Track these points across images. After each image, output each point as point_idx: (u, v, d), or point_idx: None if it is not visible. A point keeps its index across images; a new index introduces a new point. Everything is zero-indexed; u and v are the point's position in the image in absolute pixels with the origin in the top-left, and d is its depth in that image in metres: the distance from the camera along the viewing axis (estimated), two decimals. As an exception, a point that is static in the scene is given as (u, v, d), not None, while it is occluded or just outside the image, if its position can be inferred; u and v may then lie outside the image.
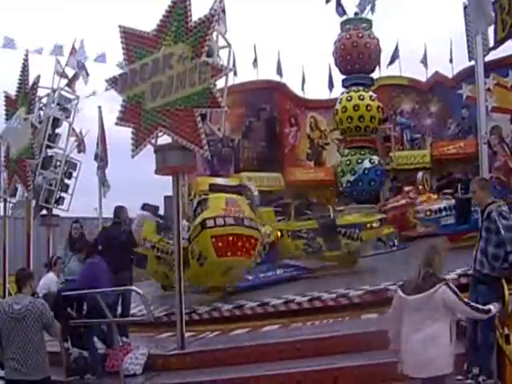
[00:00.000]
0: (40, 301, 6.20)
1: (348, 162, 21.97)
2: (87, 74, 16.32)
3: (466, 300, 5.17)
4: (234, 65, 28.04)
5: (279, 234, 15.18)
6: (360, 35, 21.94)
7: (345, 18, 22.88)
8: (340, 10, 22.89)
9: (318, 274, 14.50)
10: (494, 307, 5.26)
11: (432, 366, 4.94)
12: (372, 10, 22.48)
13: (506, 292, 6.14)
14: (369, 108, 21.83)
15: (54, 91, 15.77)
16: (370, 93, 22.11)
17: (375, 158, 22.66)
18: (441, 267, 5.18)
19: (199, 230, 11.86)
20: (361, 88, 22.06)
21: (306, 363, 7.54)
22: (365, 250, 15.33)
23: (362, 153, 21.67)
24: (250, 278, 13.44)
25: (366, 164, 22.15)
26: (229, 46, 9.02)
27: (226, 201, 12.48)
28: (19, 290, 6.09)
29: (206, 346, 9.06)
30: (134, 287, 8.92)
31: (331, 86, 30.70)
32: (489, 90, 25.10)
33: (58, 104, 15.79)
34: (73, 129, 16.57)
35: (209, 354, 8.51)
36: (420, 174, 20.21)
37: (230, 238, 11.62)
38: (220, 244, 11.59)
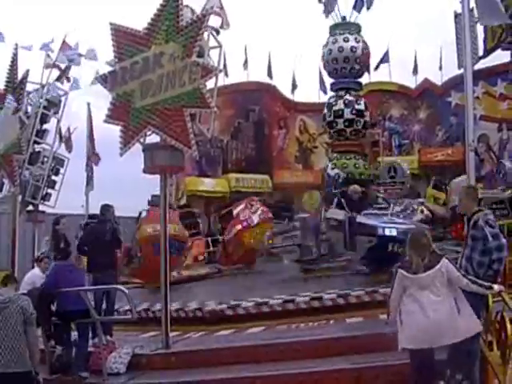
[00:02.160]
0: (25, 297, 6.18)
1: (333, 166, 22.01)
2: (68, 80, 16.16)
3: (463, 273, 5.75)
4: (224, 65, 28.12)
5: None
6: (346, 39, 21.98)
7: (333, 21, 22.92)
8: (328, 10, 22.94)
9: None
10: (497, 287, 5.76)
11: (448, 336, 5.50)
12: (368, 7, 22.53)
13: (490, 299, 6.19)
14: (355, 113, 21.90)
15: (42, 86, 15.66)
16: (348, 97, 22.08)
17: (361, 163, 22.58)
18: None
19: None
20: (343, 93, 22.11)
21: (290, 365, 7.54)
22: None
23: (348, 157, 21.71)
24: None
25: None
26: (220, 46, 9.01)
27: None
28: (5, 285, 6.09)
29: (190, 345, 9.04)
30: (119, 286, 8.89)
31: (324, 88, 30.77)
32: (477, 98, 25.39)
33: (46, 99, 15.67)
34: (59, 130, 16.44)
35: (193, 354, 8.50)
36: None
37: None
38: None
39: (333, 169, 21.22)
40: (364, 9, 22.79)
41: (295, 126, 32.06)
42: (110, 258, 9.78)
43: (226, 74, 28.84)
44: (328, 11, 22.79)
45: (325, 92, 31.07)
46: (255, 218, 16.53)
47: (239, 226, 16.66)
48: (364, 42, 22.51)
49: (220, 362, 8.04)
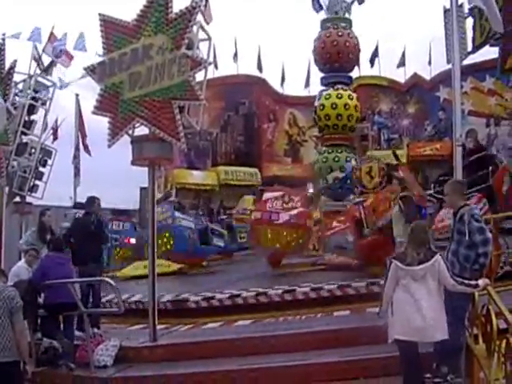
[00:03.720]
0: (11, 287, 6.16)
1: (324, 160, 21.96)
2: (68, 63, 16.06)
3: (451, 274, 5.85)
4: (214, 58, 28.04)
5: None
6: (340, 34, 21.97)
7: (324, 15, 22.88)
8: (317, 5, 22.89)
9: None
10: (482, 282, 5.89)
11: (438, 332, 5.65)
12: (360, 2, 22.53)
13: (476, 293, 6.24)
14: (347, 107, 21.88)
15: (30, 77, 15.53)
16: (349, 92, 22.13)
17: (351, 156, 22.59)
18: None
19: None
20: (339, 86, 22.09)
21: (279, 358, 7.57)
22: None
23: (340, 151, 21.66)
24: None
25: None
26: (209, 38, 8.96)
27: None
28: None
29: (178, 338, 9.04)
30: (106, 278, 8.88)
31: (307, 83, 30.86)
32: (465, 93, 25.46)
33: (34, 90, 15.56)
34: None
35: (181, 347, 8.50)
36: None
37: None
38: None
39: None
40: (355, 3, 22.79)
41: (284, 119, 32.05)
42: (94, 250, 9.75)
43: (216, 67, 28.75)
44: (319, 6, 22.78)
45: (307, 85, 31.16)
46: (283, 217, 13.32)
47: (258, 215, 13.91)
48: (355, 37, 22.52)
49: (207, 355, 8.06)
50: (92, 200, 10.06)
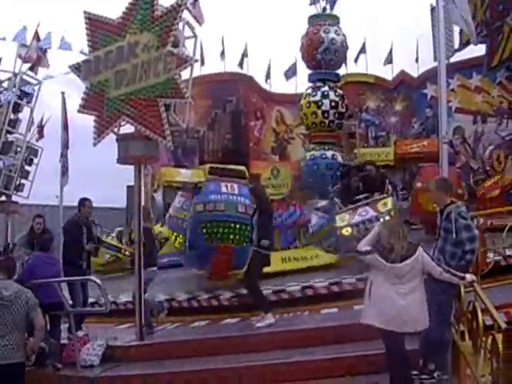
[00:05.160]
0: (27, 290, 6.15)
1: (312, 157, 21.99)
2: (48, 64, 15.94)
3: (437, 261, 5.93)
4: (201, 54, 28.00)
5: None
6: (327, 31, 21.99)
7: (313, 12, 22.91)
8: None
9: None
10: (469, 276, 5.90)
11: (419, 323, 5.71)
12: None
13: (462, 289, 6.27)
14: (333, 104, 21.93)
15: (15, 75, 15.42)
16: (327, 89, 22.13)
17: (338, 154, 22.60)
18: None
19: None
20: (326, 84, 22.14)
21: (266, 356, 7.57)
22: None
23: (327, 148, 21.70)
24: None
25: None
26: (195, 36, 8.93)
27: None
28: (8, 277, 6.18)
29: (165, 337, 9.02)
30: (92, 277, 8.83)
31: (290, 76, 30.92)
32: (453, 90, 25.61)
33: (19, 89, 15.44)
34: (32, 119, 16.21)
35: (168, 346, 8.48)
36: None
37: None
38: None
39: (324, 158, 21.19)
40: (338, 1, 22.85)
41: (272, 116, 32.02)
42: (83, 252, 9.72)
43: (203, 63, 28.70)
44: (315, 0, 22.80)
45: (287, 78, 31.16)
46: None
47: None
48: (343, 34, 22.54)
49: (195, 354, 8.04)
50: (81, 202, 10.00)
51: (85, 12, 8.93)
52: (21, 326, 5.82)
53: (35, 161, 16.16)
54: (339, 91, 21.80)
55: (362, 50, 30.57)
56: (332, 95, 21.60)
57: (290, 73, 31.12)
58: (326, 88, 21.83)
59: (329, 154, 21.74)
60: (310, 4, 23.07)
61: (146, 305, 8.88)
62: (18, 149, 15.48)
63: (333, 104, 21.61)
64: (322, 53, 21.88)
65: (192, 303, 10.78)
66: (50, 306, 8.20)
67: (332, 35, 21.80)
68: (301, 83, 28.27)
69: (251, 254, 8.97)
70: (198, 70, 25.38)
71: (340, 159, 21.61)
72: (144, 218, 9.30)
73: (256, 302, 9.10)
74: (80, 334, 8.80)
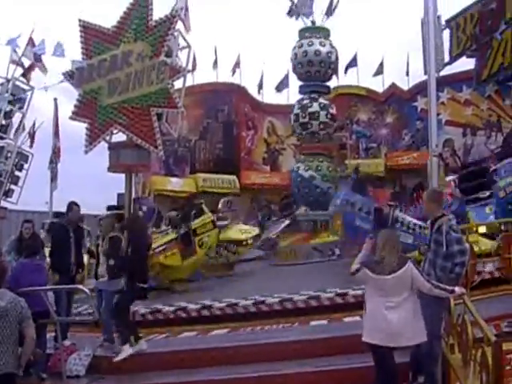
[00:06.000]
0: (21, 298, 6.06)
1: (307, 168, 22.01)
2: (45, 69, 15.93)
3: (426, 277, 5.83)
4: (194, 63, 28.09)
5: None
6: (310, 43, 22.04)
7: (303, 25, 23.00)
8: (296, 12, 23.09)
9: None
10: (458, 289, 5.85)
11: (405, 338, 5.62)
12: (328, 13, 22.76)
13: (452, 302, 6.27)
14: (329, 116, 21.97)
15: (8, 81, 15.39)
16: (323, 100, 22.18)
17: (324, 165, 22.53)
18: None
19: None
20: (316, 95, 22.19)
21: (254, 368, 7.52)
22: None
23: (321, 160, 21.73)
24: None
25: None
26: (189, 46, 8.96)
27: None
28: None
29: (152, 348, 8.94)
30: (80, 286, 8.75)
31: (281, 88, 31.12)
32: (443, 103, 25.82)
33: (11, 94, 15.40)
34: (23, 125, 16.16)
35: (155, 357, 8.40)
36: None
37: None
38: None
39: (307, 170, 21.33)
40: (334, 12, 22.96)
41: (263, 127, 32.11)
42: (71, 258, 9.57)
43: (194, 69, 28.92)
44: (297, 13, 22.89)
45: (279, 91, 31.31)
46: None
47: None
48: (333, 46, 22.65)
49: (182, 365, 7.97)
50: (69, 206, 9.83)
51: (79, 20, 8.96)
52: (14, 336, 5.74)
53: (25, 166, 16.10)
54: (323, 101, 21.82)
55: (353, 63, 30.77)
56: (315, 106, 21.65)
57: (282, 85, 31.31)
58: (307, 101, 21.91)
59: (313, 165, 21.76)
60: (290, 15, 23.21)
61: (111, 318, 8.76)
62: (9, 154, 15.42)
63: (316, 115, 21.63)
64: (306, 65, 21.96)
65: (179, 314, 10.69)
66: (37, 315, 8.10)
67: (316, 47, 21.82)
68: (292, 94, 28.41)
69: (124, 287, 8.61)
70: (190, 80, 25.44)
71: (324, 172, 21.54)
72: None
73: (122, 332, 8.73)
74: (67, 343, 8.71)
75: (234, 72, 31.60)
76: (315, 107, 21.62)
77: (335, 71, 24.65)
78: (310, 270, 15.56)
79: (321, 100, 21.77)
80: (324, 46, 21.91)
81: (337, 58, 23.08)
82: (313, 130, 21.69)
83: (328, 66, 22.03)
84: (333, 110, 21.93)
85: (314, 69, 21.79)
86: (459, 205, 14.27)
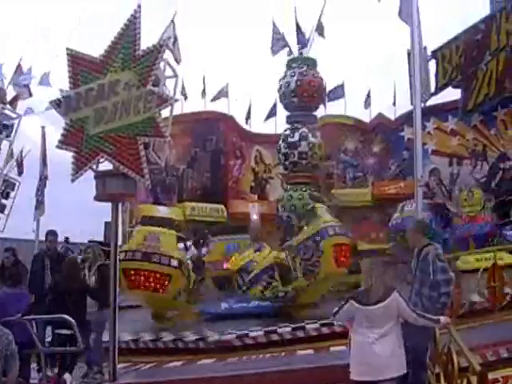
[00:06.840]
0: (8, 331, 5.98)
1: (289, 197, 22.06)
2: (30, 95, 16.01)
3: (412, 307, 5.77)
4: (184, 93, 28.31)
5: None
6: (304, 74, 22.31)
7: (290, 56, 23.32)
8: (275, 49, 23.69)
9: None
10: (443, 319, 5.81)
11: (393, 369, 5.52)
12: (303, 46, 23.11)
13: (438, 332, 6.28)
14: (310, 145, 22.12)
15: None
16: (305, 130, 22.35)
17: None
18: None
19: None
20: (299, 125, 22.35)
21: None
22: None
23: (304, 189, 21.79)
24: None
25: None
26: (175, 76, 9.02)
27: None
28: None
29: (138, 378, 8.85)
30: (65, 315, 8.65)
31: (269, 116, 31.39)
32: (429, 133, 26.08)
33: (-1, 122, 15.41)
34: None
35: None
36: None
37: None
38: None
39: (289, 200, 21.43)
40: (320, 43, 23.37)
41: (251, 156, 32.21)
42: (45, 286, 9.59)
43: (185, 97, 29.24)
44: (275, 51, 23.49)
45: (267, 118, 31.49)
46: None
47: None
48: (320, 77, 22.91)
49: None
50: (46, 235, 9.95)
51: (67, 49, 8.99)
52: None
53: (12, 194, 16.04)
54: (305, 131, 21.99)
55: (340, 94, 31.15)
56: (296, 136, 21.85)
57: (271, 115, 31.63)
58: (289, 131, 22.13)
59: (295, 194, 21.86)
60: (274, 54, 23.75)
61: (97, 348, 8.68)
62: (-5, 182, 15.38)
63: (296, 145, 21.81)
64: (288, 96, 22.23)
65: (169, 344, 10.60)
66: (21, 345, 8.00)
67: (310, 78, 22.09)
68: (280, 124, 28.64)
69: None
70: (179, 109, 25.62)
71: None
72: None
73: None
74: (51, 373, 8.60)
75: (217, 99, 31.89)
76: (296, 137, 21.81)
77: (322, 100, 24.90)
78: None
79: (302, 130, 21.92)
80: (306, 75, 22.15)
81: (324, 88, 23.32)
82: (293, 160, 21.84)
83: (307, 94, 22.21)
84: (316, 140, 22.04)
85: (296, 99, 22.04)
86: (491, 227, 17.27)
